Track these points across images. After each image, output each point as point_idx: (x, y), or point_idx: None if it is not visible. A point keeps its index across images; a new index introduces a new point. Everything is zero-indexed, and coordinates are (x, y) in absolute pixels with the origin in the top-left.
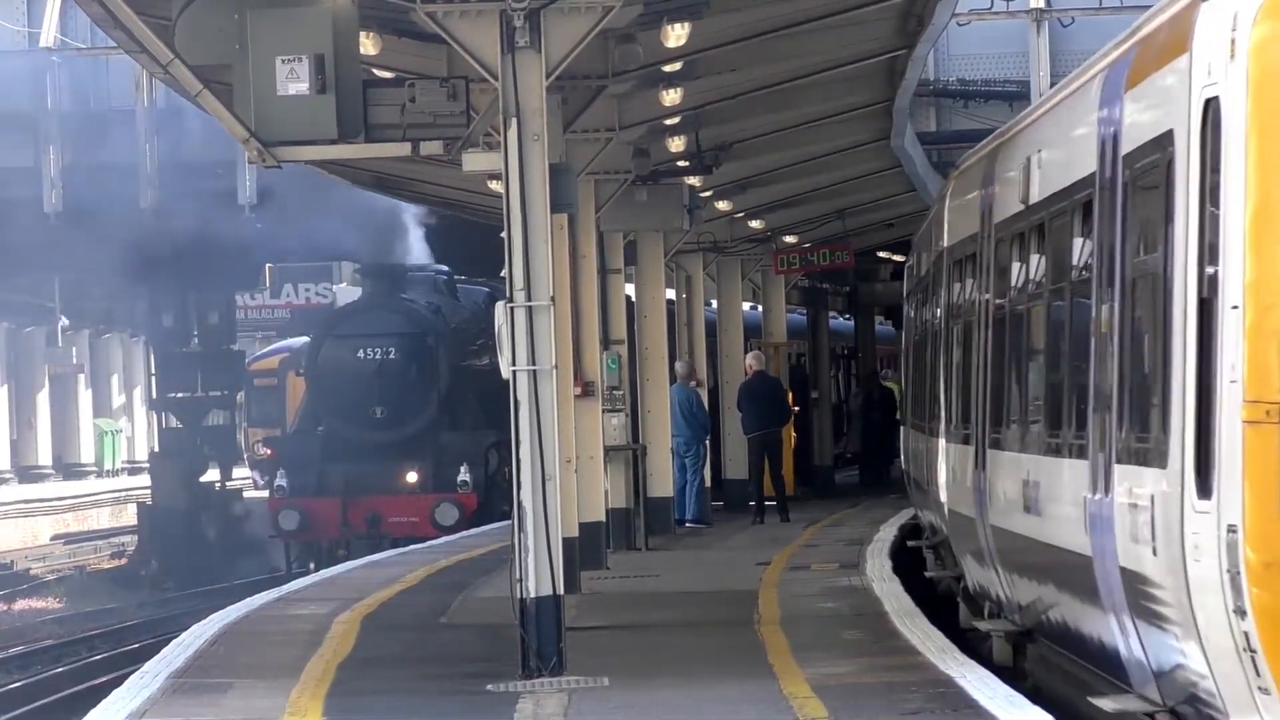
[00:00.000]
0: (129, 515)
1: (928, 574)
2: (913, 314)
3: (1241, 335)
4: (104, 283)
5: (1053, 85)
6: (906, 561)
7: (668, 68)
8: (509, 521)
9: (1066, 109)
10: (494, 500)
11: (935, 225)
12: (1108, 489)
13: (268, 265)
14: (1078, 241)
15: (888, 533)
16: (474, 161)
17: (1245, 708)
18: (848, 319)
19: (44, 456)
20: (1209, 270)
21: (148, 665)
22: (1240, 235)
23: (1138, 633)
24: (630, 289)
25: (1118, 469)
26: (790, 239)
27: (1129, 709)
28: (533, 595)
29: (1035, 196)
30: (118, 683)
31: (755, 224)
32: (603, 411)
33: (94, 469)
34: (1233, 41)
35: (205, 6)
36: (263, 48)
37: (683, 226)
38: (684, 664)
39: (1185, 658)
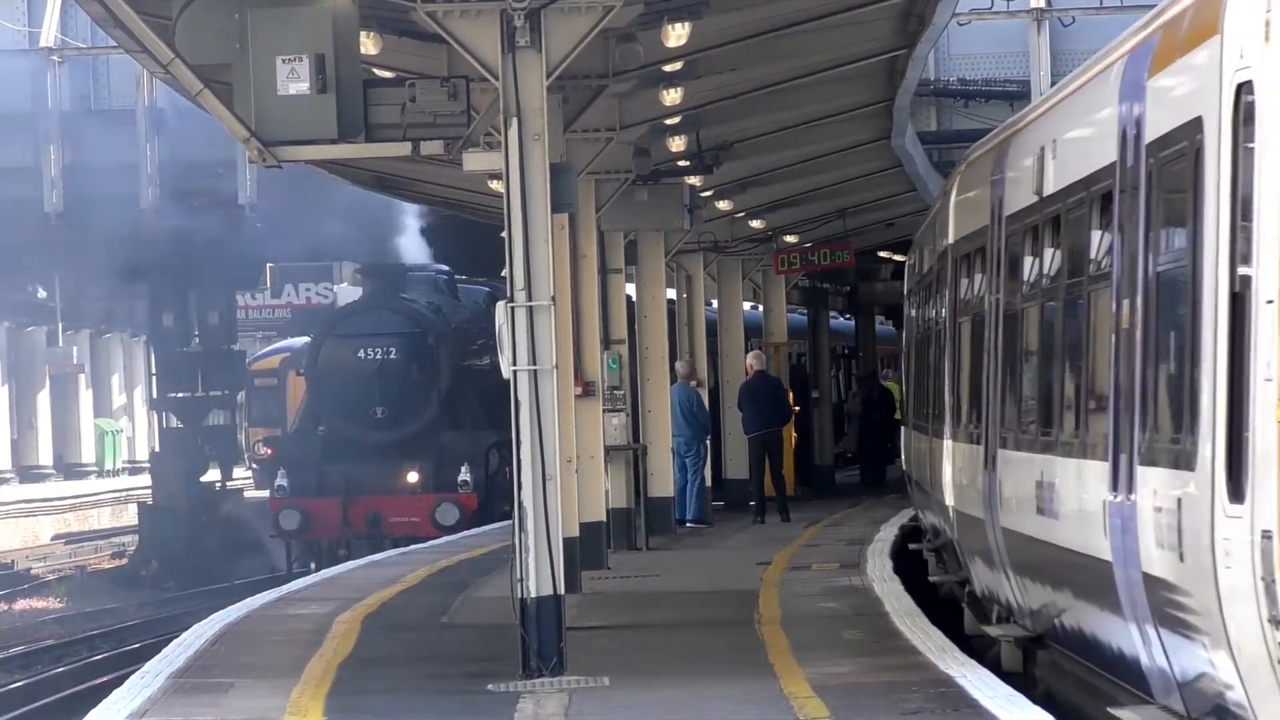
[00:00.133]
0: (129, 515)
1: (931, 578)
2: (914, 313)
3: (1276, 332)
4: (103, 283)
5: (1053, 85)
6: (907, 563)
7: (668, 67)
8: (509, 521)
9: (1083, 97)
10: (494, 500)
11: (940, 220)
12: (1130, 491)
13: (268, 265)
14: (1096, 234)
15: (888, 533)
16: (474, 161)
17: None
18: (848, 319)
19: (45, 456)
20: (1241, 264)
21: (148, 665)
22: (1275, 226)
23: (1161, 641)
24: (631, 289)
25: (1141, 471)
26: (791, 239)
27: None
28: (533, 595)
29: (1050, 188)
30: (118, 683)
31: (756, 224)
32: (603, 411)
33: (94, 469)
34: (1267, 23)
35: (205, 6)
36: (263, 47)
37: (683, 226)
38: (684, 664)
39: (1214, 668)
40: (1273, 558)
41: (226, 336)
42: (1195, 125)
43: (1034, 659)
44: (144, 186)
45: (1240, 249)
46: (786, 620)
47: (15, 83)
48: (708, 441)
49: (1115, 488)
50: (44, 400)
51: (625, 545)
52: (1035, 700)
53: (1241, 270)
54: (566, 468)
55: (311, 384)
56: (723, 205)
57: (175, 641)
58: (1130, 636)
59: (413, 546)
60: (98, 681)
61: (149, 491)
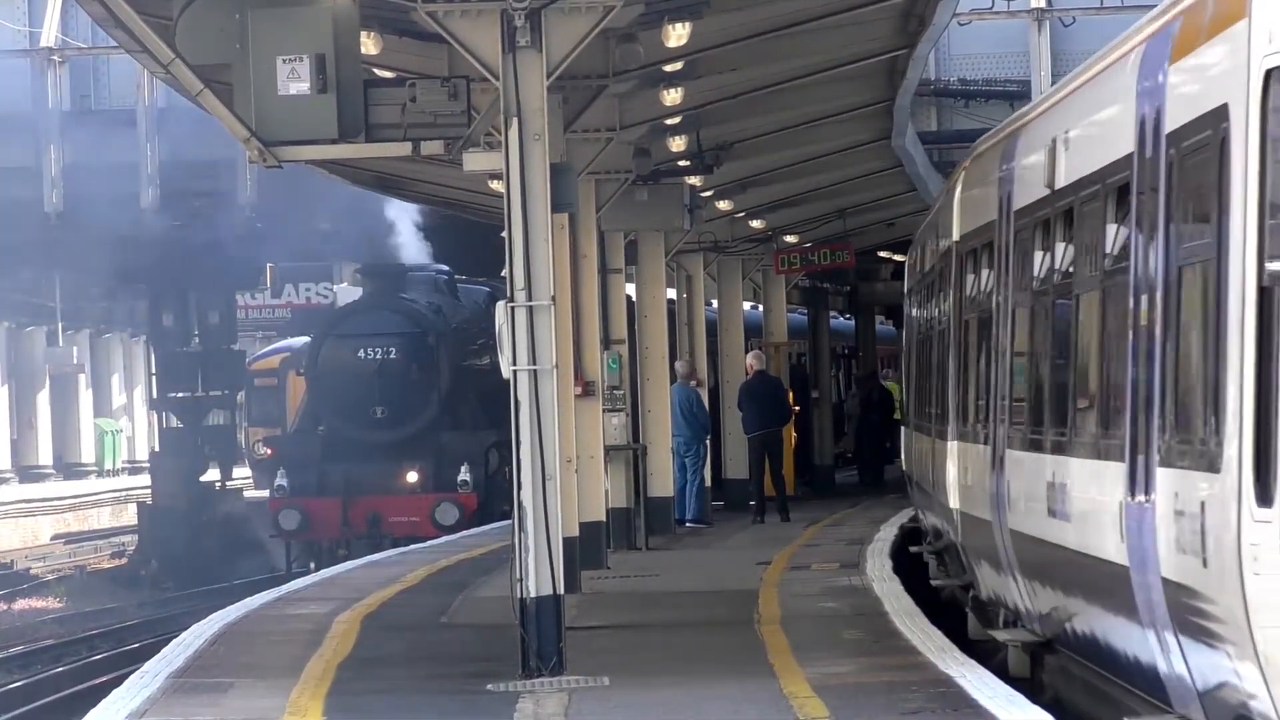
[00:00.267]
0: (129, 515)
1: (934, 582)
2: (915, 311)
3: None
4: (103, 283)
5: (1053, 85)
6: (907, 564)
7: (668, 67)
8: (509, 521)
9: (1097, 88)
10: (494, 500)
11: (944, 216)
12: (1148, 494)
13: (268, 265)
14: (1112, 228)
15: (888, 533)
16: (475, 161)
17: None
18: (848, 319)
19: (44, 456)
20: (1270, 258)
21: (148, 665)
22: None
23: (1181, 648)
24: (631, 289)
25: (1160, 473)
26: (791, 239)
27: None
28: (533, 595)
29: (1062, 181)
30: (118, 683)
31: (756, 224)
32: (603, 411)
33: (94, 469)
34: None
35: (206, 6)
36: (263, 47)
37: (683, 226)
38: (684, 664)
39: (1238, 678)
40: None
41: (226, 336)
42: (1220, 113)
43: (1042, 664)
44: (144, 186)
45: (1269, 242)
46: (786, 620)
47: (15, 83)
48: (707, 441)
49: (1132, 490)
50: (44, 400)
51: (625, 545)
52: (1044, 706)
53: (1271, 266)
54: (566, 468)
55: (311, 384)
56: (723, 205)
57: (174, 641)
58: (1147, 643)
59: (412, 546)
60: (97, 681)
61: (149, 491)
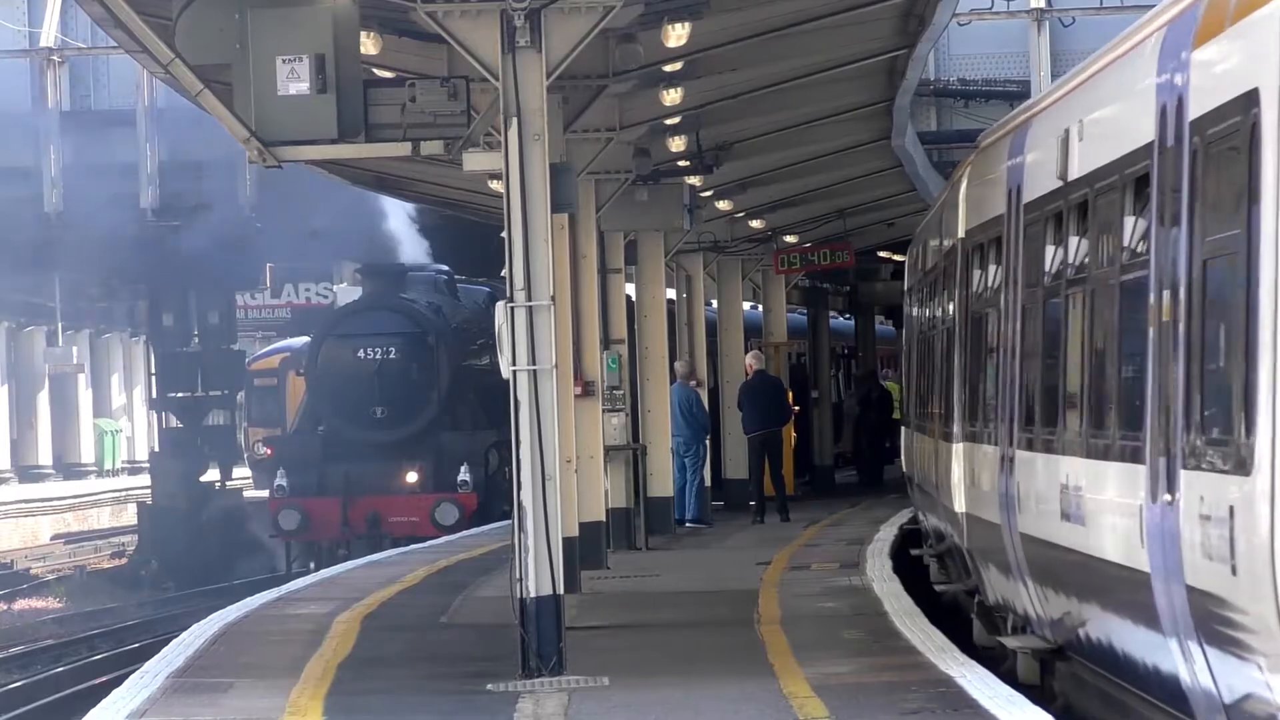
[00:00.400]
0: (129, 515)
1: (938, 587)
2: (916, 310)
3: None
4: (103, 283)
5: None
6: (907, 565)
7: (668, 67)
8: (509, 521)
9: (1114, 75)
10: (494, 500)
11: (949, 211)
12: (1171, 497)
13: (268, 265)
14: (1130, 220)
15: (888, 533)
16: (474, 161)
17: None
18: (848, 319)
19: (44, 456)
20: None
21: (148, 665)
22: None
23: (1206, 659)
24: (630, 289)
25: (1184, 475)
26: (791, 239)
27: None
28: (533, 595)
29: (1076, 172)
30: (118, 683)
31: (756, 224)
32: (603, 411)
33: (94, 469)
34: None
35: (206, 6)
36: (263, 47)
37: (683, 226)
38: (684, 664)
39: (1270, 690)
40: None
41: (226, 336)
42: (1250, 98)
43: (1052, 671)
44: (144, 187)
45: None
46: (786, 620)
47: (15, 82)
48: (707, 441)
49: (1154, 493)
50: (44, 400)
51: (625, 545)
52: (1056, 715)
53: None
54: (566, 468)
55: (311, 384)
56: (723, 205)
57: (174, 641)
58: (1169, 652)
59: (412, 546)
60: (97, 681)
61: (148, 491)
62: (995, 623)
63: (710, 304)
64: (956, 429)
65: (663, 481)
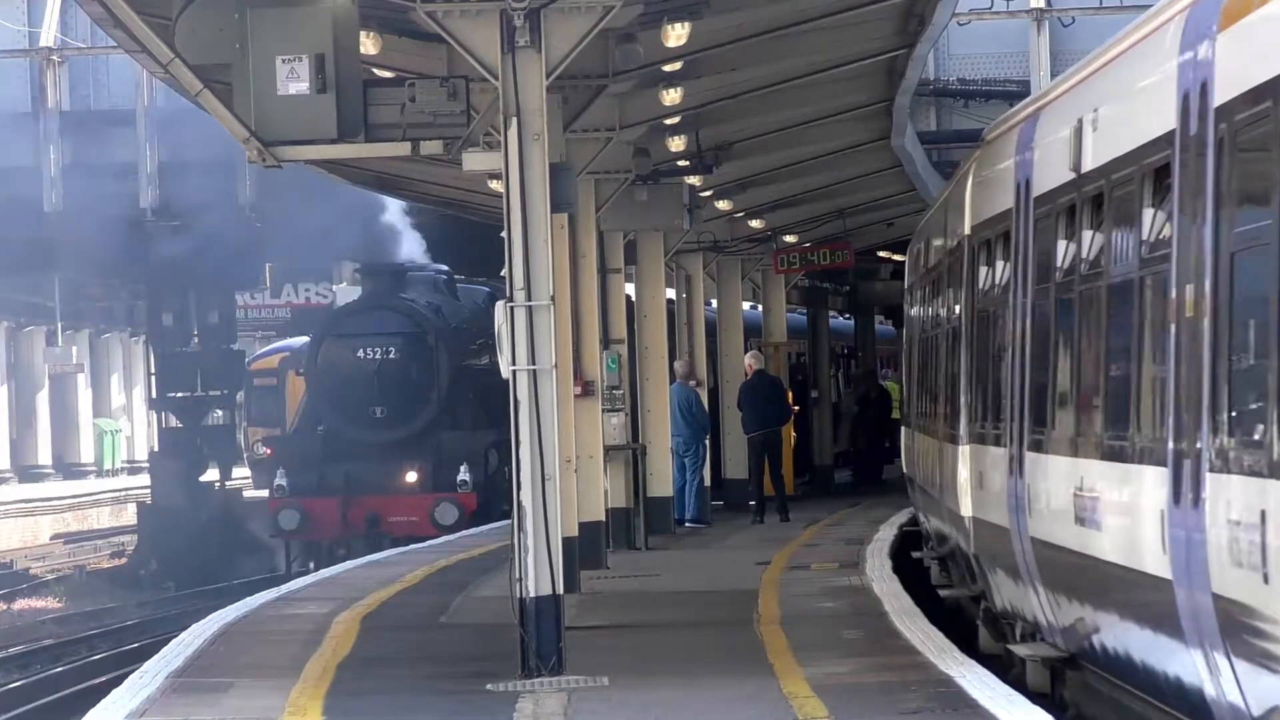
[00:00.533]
0: (129, 515)
1: (942, 593)
2: (918, 308)
3: None
4: (103, 283)
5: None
6: (907, 567)
7: (668, 67)
8: (509, 521)
9: (1130, 61)
10: (494, 500)
11: (954, 206)
12: (1196, 502)
13: (268, 265)
14: (1149, 212)
15: (887, 533)
16: (474, 161)
17: None
18: (847, 319)
19: (44, 456)
20: None
21: (147, 665)
22: None
23: (1234, 671)
24: (630, 289)
25: (1211, 478)
26: (790, 238)
27: None
28: (532, 595)
29: (1090, 163)
30: (118, 682)
31: (755, 223)
32: (603, 411)
33: (94, 469)
34: None
35: (205, 6)
36: (263, 47)
37: (683, 226)
38: (684, 664)
39: None
40: None
41: (226, 336)
42: None
43: (1063, 680)
44: (144, 187)
45: None
46: (786, 620)
47: (15, 82)
48: (707, 441)
49: (1177, 497)
50: (43, 400)
51: (625, 545)
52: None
53: None
54: (565, 468)
55: (311, 384)
56: (722, 205)
57: (174, 641)
58: (1192, 663)
59: (412, 546)
60: (97, 681)
61: (148, 491)
62: (1002, 629)
63: (710, 304)
64: (963, 430)
65: (662, 481)
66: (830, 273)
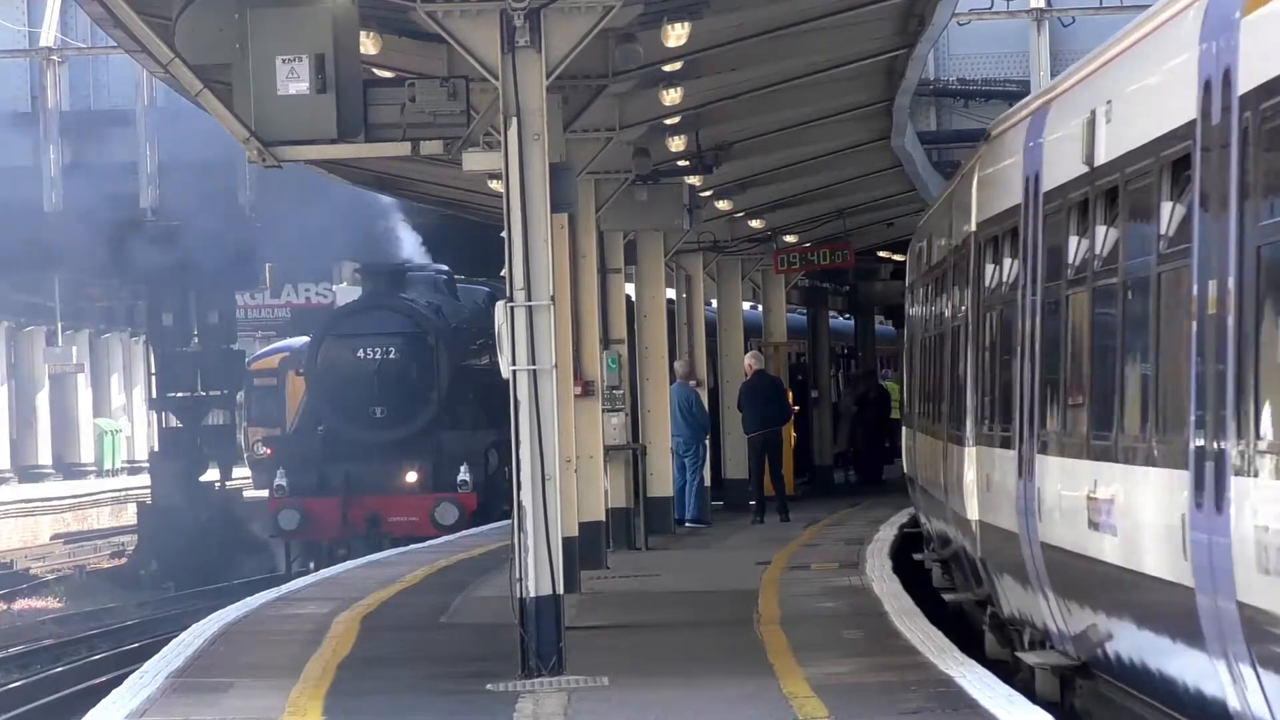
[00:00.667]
0: (129, 515)
1: (946, 596)
2: (920, 307)
3: None
4: (102, 283)
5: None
6: (908, 566)
7: (668, 67)
8: (509, 521)
9: (1146, 50)
10: (494, 500)
11: (958, 203)
12: (1220, 506)
13: (268, 265)
14: (1167, 206)
15: (887, 533)
16: (474, 161)
17: None
18: (847, 319)
19: (44, 456)
20: None
21: (147, 665)
22: None
23: (1260, 681)
24: (630, 289)
25: (1236, 482)
26: (790, 238)
27: None
28: (532, 595)
29: (1103, 156)
30: (118, 682)
31: (755, 223)
32: (603, 411)
33: (94, 469)
34: None
35: (205, 6)
36: (263, 47)
37: (683, 226)
38: (684, 664)
39: None
40: None
41: (226, 336)
42: None
43: (1074, 688)
44: (143, 187)
45: None
46: (786, 620)
47: (15, 82)
48: (707, 441)
49: (1199, 501)
50: (44, 400)
51: (625, 545)
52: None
53: None
54: (566, 468)
55: (311, 384)
56: (722, 205)
57: (174, 641)
58: (1214, 673)
59: (412, 546)
60: (97, 681)
61: (148, 491)
62: (1009, 635)
63: (710, 304)
64: (969, 431)
65: (663, 481)
66: (830, 273)
